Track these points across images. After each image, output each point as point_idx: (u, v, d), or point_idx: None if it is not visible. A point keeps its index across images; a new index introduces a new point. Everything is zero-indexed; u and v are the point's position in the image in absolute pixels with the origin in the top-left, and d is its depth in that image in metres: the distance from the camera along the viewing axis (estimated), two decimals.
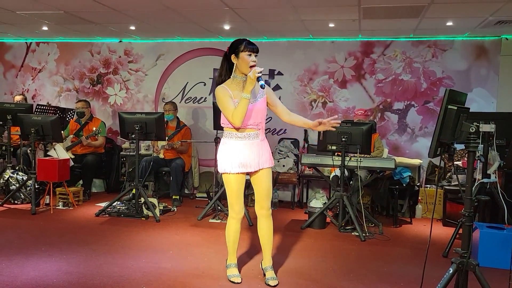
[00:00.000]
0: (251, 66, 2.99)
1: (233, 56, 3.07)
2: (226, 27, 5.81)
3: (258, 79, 2.91)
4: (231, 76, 3.11)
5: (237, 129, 3.05)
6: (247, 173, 3.16)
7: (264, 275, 3.29)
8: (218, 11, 5.03)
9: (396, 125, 6.27)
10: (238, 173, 3.08)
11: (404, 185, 5.26)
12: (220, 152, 3.15)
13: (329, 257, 3.95)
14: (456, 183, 5.38)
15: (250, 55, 3.01)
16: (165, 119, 6.08)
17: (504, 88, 5.84)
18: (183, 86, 6.95)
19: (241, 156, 3.06)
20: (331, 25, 5.47)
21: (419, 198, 5.68)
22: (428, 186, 5.87)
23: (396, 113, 6.26)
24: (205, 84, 6.87)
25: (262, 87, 2.90)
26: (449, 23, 5.15)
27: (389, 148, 6.05)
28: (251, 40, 3.09)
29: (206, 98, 6.88)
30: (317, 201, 5.16)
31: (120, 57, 7.12)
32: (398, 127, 6.26)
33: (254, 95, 3.08)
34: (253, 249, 4.07)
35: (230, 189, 3.13)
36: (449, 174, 5.59)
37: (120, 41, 7.08)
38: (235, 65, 3.08)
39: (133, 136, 5.23)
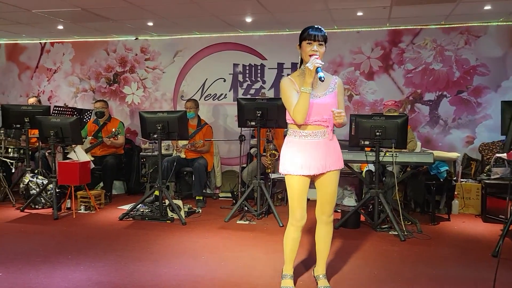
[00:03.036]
0: (311, 56, 2.71)
1: (298, 47, 2.82)
2: (248, 19, 5.56)
3: (317, 70, 2.64)
4: (300, 68, 2.86)
5: (300, 126, 2.79)
6: (312, 176, 2.87)
7: (317, 283, 3.05)
8: (241, 2, 4.79)
9: (428, 117, 5.98)
10: (301, 175, 2.81)
11: (441, 180, 4.99)
12: (283, 151, 2.88)
13: (370, 260, 3.71)
14: (497, 176, 5.10)
15: (310, 43, 2.74)
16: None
17: None
18: (202, 83, 6.73)
19: (306, 157, 2.79)
20: (359, 13, 5.20)
21: (456, 193, 5.39)
22: (464, 180, 5.58)
23: (428, 104, 5.98)
24: (225, 80, 6.65)
25: (321, 79, 2.63)
26: (487, 7, 4.85)
27: (421, 141, 5.77)
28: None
29: (226, 94, 6.66)
30: (350, 200, 4.91)
31: (137, 55, 6.92)
32: (430, 119, 5.98)
33: (323, 88, 2.81)
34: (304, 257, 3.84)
35: (291, 192, 2.85)
36: (487, 167, 5.29)
37: (137, 39, 6.88)
38: (300, 56, 2.83)
39: (155, 136, 5.02)
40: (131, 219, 5.01)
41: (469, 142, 5.86)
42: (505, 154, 4.66)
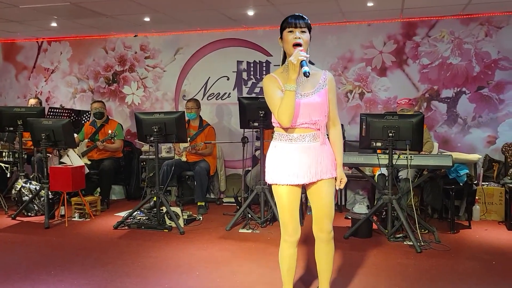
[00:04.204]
0: (295, 45, 2.37)
1: (279, 40, 2.49)
2: (250, 12, 5.21)
3: (301, 64, 2.30)
4: (283, 64, 2.52)
5: (287, 129, 2.45)
6: (303, 186, 2.54)
7: None
8: None
9: (445, 115, 5.55)
10: (291, 184, 2.46)
11: (461, 184, 4.57)
12: (269, 158, 2.54)
13: (383, 275, 3.33)
14: None
15: (291, 31, 2.40)
16: (187, 118, 5.57)
17: None
18: (205, 82, 6.39)
19: (294, 164, 2.44)
20: (370, 4, 4.80)
21: (477, 198, 4.96)
22: (486, 183, 5.14)
23: (445, 101, 5.54)
24: (228, 79, 6.30)
25: (306, 75, 2.28)
26: None
27: (438, 142, 5.35)
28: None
29: (230, 93, 6.31)
30: (361, 206, 4.53)
31: (136, 53, 6.61)
32: (448, 118, 5.54)
33: (311, 85, 2.46)
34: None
35: (281, 204, 2.51)
36: (511, 170, 4.86)
37: (136, 36, 6.57)
38: (282, 50, 2.49)
39: (152, 139, 4.71)
40: (126, 227, 4.70)
41: (490, 142, 5.41)
42: None
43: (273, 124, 2.54)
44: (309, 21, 2.42)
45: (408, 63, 5.62)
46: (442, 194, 4.63)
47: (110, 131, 5.62)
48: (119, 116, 6.69)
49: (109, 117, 6.05)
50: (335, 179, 2.56)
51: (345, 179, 2.59)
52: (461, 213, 4.90)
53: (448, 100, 5.53)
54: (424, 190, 4.72)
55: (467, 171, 4.59)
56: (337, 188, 2.60)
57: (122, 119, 6.59)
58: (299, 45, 2.36)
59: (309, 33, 2.43)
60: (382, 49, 5.69)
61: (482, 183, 5.15)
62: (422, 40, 5.54)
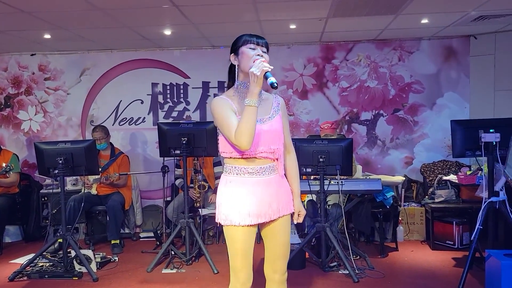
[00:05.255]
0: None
1: (232, 56, 2.21)
2: (167, 32, 4.84)
3: (266, 75, 2.02)
4: (235, 85, 2.23)
5: (246, 159, 2.15)
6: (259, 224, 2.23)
7: None
8: (158, 10, 4.08)
9: (365, 137, 5.62)
10: (248, 225, 2.14)
11: (387, 206, 4.59)
12: (221, 195, 2.20)
13: None
14: (441, 199, 4.82)
15: (253, 48, 2.14)
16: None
17: (476, 91, 5.40)
18: (116, 106, 5.83)
19: (255, 201, 2.13)
20: (293, 26, 4.71)
21: (400, 218, 5.03)
22: (406, 204, 5.25)
23: (364, 124, 5.62)
24: (142, 102, 5.81)
25: (273, 86, 2.00)
26: (424, 20, 4.59)
27: (360, 164, 5.37)
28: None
29: (145, 118, 5.82)
30: (293, 236, 4.31)
31: (34, 74, 5.85)
32: (368, 140, 5.62)
33: (265, 111, 2.20)
34: None
35: (234, 248, 2.17)
36: (430, 189, 5.00)
37: (33, 54, 5.82)
38: (236, 69, 2.20)
39: (56, 172, 4.08)
40: (25, 278, 3.98)
41: (408, 163, 5.58)
42: (454, 177, 4.34)
43: (223, 155, 2.22)
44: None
45: (328, 86, 5.62)
46: (370, 217, 4.59)
47: (4, 164, 4.81)
48: (14, 145, 5.84)
49: (1, 146, 5.22)
50: (292, 214, 2.30)
51: (303, 212, 2.34)
52: (388, 235, 4.92)
53: (368, 123, 5.61)
54: (353, 214, 4.66)
55: (393, 193, 4.63)
56: (295, 223, 2.34)
57: (17, 149, 5.76)
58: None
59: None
60: (302, 71, 5.64)
61: (404, 203, 5.24)
62: (341, 64, 5.60)
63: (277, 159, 2.21)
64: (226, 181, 2.20)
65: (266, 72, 2.02)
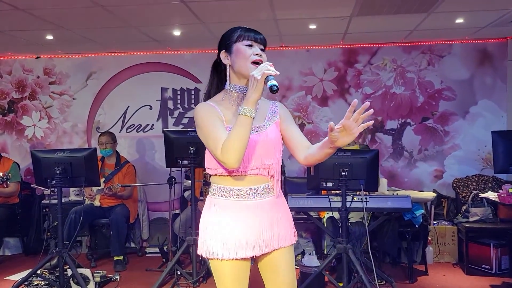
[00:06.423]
0: (254, 63, 1.74)
1: (223, 54, 1.83)
2: (176, 32, 4.50)
3: (267, 78, 1.64)
4: (224, 88, 1.87)
5: (233, 176, 1.78)
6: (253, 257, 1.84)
7: None
8: (167, 7, 3.74)
9: (391, 148, 5.17)
10: (236, 258, 1.75)
11: (417, 226, 4.13)
12: (204, 220, 1.83)
13: None
14: (476, 218, 4.33)
15: (250, 45, 1.77)
16: (100, 155, 4.68)
17: None
18: (124, 112, 5.50)
19: (241, 229, 1.76)
20: (312, 26, 4.31)
21: (429, 238, 4.55)
22: (436, 222, 4.77)
23: (390, 133, 5.17)
24: (151, 108, 5.48)
25: (272, 89, 1.62)
26: (459, 20, 4.14)
27: (385, 177, 4.92)
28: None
29: (153, 125, 5.48)
30: (311, 257, 3.89)
31: (39, 78, 5.57)
32: (393, 151, 5.17)
33: (260, 117, 1.82)
34: None
35: (222, 285, 1.79)
36: (464, 207, 4.53)
37: (38, 57, 5.55)
38: (228, 69, 1.83)
39: (54, 182, 3.75)
40: None
41: (437, 177, 5.10)
42: (494, 194, 3.85)
43: (208, 172, 1.85)
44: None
45: (351, 92, 5.20)
46: (397, 238, 4.15)
47: (1, 174, 4.51)
48: (17, 152, 5.56)
49: (2, 154, 4.94)
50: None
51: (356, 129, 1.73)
52: (417, 257, 4.45)
53: (393, 132, 5.16)
54: (378, 233, 4.21)
55: (423, 211, 4.17)
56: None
57: (20, 157, 5.48)
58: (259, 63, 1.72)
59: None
60: (322, 76, 5.24)
61: (433, 222, 4.76)
62: (364, 68, 5.18)
63: (272, 176, 1.81)
64: (210, 204, 1.82)
65: (268, 76, 1.64)
